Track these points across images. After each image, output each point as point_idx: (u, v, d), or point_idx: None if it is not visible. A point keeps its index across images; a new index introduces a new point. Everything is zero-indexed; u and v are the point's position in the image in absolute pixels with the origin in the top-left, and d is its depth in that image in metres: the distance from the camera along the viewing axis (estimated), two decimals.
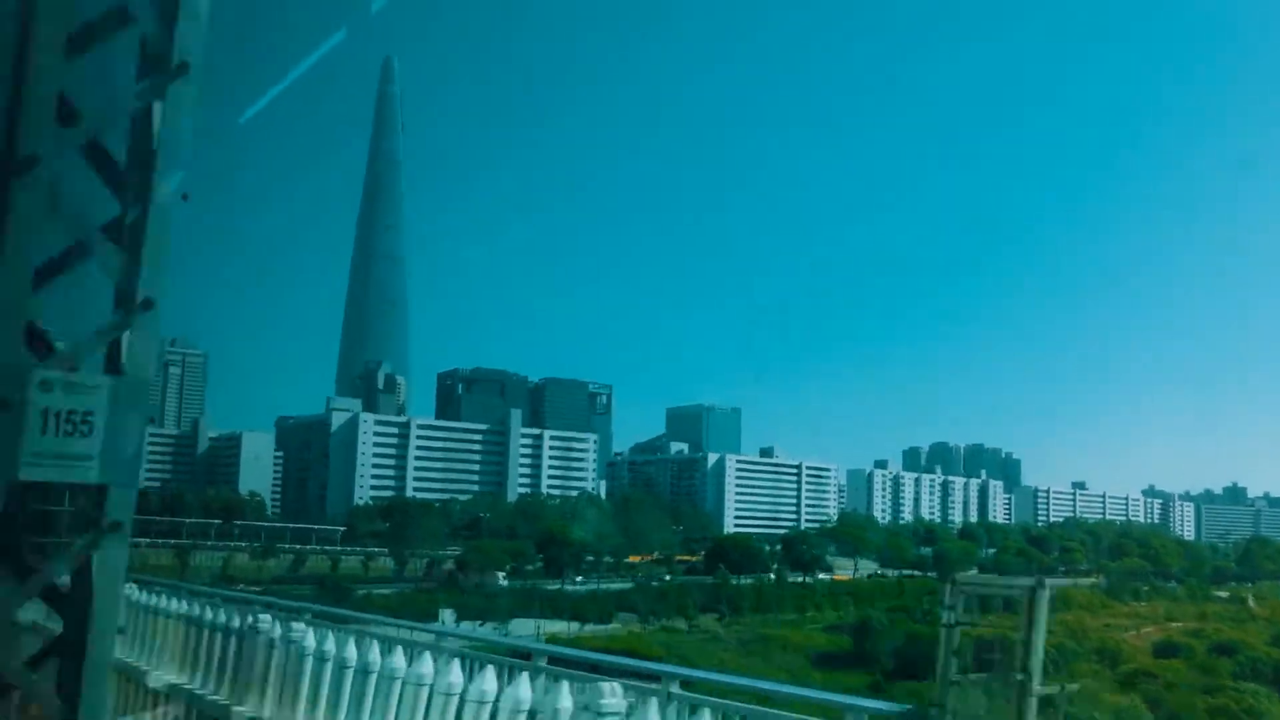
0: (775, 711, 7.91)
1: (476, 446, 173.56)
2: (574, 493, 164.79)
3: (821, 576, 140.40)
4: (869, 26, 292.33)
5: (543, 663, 9.48)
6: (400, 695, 9.49)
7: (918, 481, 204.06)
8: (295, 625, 11.30)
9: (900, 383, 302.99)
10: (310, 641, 10.80)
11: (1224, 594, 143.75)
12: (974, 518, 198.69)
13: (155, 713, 13.08)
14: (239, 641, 12.09)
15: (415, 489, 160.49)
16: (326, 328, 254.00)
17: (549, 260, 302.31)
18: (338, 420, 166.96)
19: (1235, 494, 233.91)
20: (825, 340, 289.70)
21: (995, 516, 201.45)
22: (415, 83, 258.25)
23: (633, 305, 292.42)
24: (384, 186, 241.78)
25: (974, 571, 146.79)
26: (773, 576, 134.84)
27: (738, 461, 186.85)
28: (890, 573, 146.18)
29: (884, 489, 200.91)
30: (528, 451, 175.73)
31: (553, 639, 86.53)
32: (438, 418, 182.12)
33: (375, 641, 10.30)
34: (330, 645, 10.51)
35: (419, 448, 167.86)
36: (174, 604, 14.18)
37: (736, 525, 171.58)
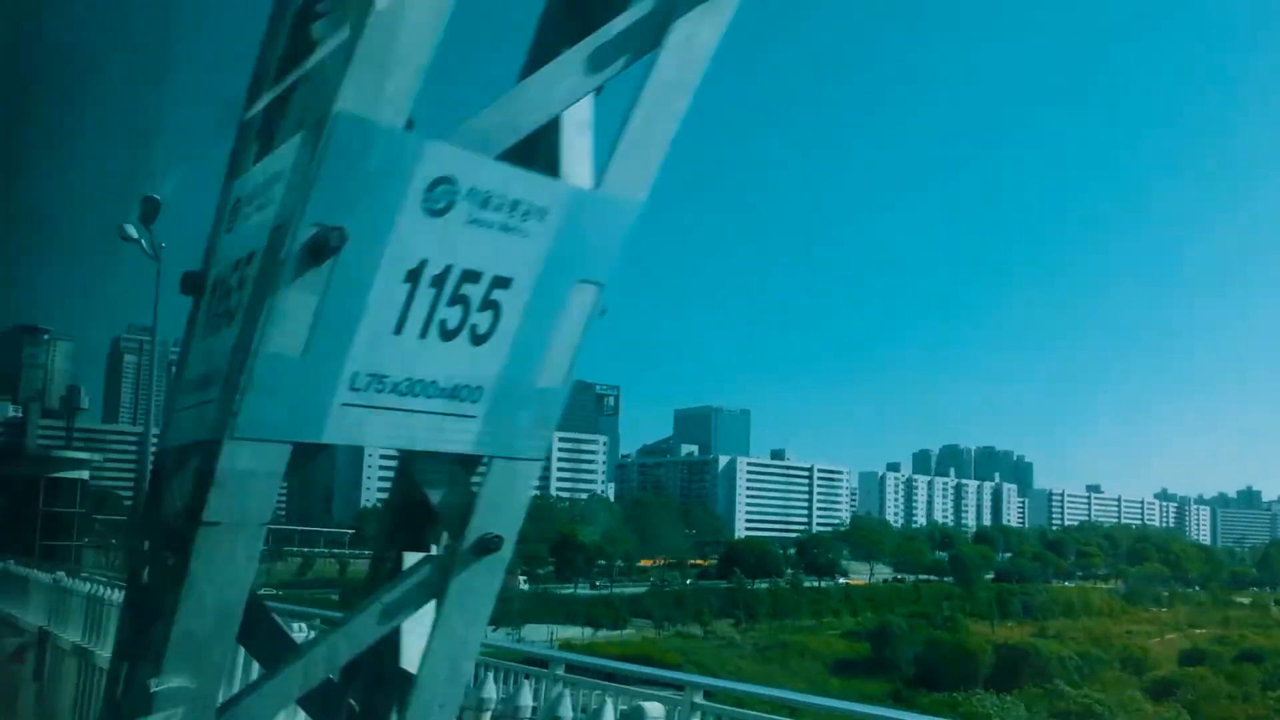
0: None
1: None
2: (584, 495, 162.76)
3: (841, 581, 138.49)
4: (869, 27, 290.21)
5: (560, 670, 9.79)
6: None
7: (930, 485, 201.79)
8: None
9: (909, 385, 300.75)
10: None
11: (1246, 600, 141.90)
12: (987, 521, 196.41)
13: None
14: None
15: None
16: None
17: None
18: None
19: (1250, 498, 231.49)
20: (833, 341, 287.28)
21: (1009, 520, 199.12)
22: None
23: (634, 306, 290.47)
24: None
25: (991, 577, 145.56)
26: (788, 582, 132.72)
27: (749, 464, 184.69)
28: (906, 577, 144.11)
29: (896, 492, 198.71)
30: None
31: (566, 645, 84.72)
32: None
33: None
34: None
35: None
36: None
37: (748, 529, 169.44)
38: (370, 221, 2.90)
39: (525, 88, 3.28)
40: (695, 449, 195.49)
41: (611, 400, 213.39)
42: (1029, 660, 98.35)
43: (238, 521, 2.88)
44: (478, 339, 3.16)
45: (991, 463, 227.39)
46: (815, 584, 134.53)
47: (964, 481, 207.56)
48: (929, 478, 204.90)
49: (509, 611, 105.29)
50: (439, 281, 3.04)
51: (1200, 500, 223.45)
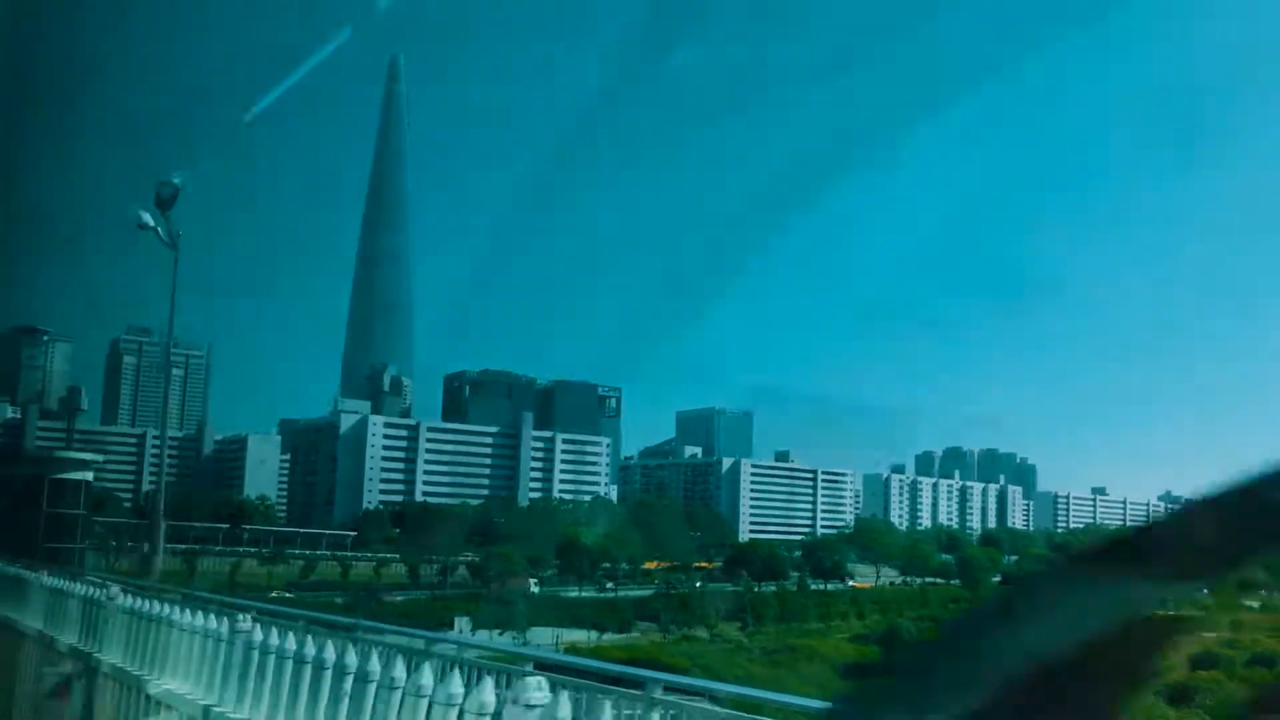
0: None
1: (487, 450, 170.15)
2: (587, 497, 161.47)
3: (848, 584, 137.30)
4: (871, 26, 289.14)
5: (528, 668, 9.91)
6: (400, 704, 9.00)
7: (935, 487, 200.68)
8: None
9: (911, 386, 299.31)
10: (310, 649, 10.20)
11: (1255, 603, 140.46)
12: (991, 524, 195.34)
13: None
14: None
15: (425, 493, 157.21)
16: (330, 329, 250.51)
17: (550, 260, 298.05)
18: (346, 423, 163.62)
19: None
20: (835, 341, 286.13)
21: (1014, 522, 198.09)
22: (422, 82, 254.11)
23: (636, 305, 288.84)
24: (389, 187, 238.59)
25: (998, 579, 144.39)
26: (794, 585, 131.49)
27: (753, 466, 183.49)
28: (913, 580, 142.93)
29: (901, 494, 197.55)
30: (539, 455, 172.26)
31: (571, 648, 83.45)
32: (444, 420, 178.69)
33: (374, 649, 9.91)
34: (330, 653, 9.91)
35: (429, 451, 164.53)
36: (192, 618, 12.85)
37: (752, 531, 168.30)
38: None
39: None
40: (699, 451, 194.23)
41: (614, 402, 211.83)
42: None
43: None
44: None
45: (995, 464, 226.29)
46: (822, 587, 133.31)
47: (969, 484, 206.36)
48: (933, 479, 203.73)
49: (515, 615, 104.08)
50: None
51: None
